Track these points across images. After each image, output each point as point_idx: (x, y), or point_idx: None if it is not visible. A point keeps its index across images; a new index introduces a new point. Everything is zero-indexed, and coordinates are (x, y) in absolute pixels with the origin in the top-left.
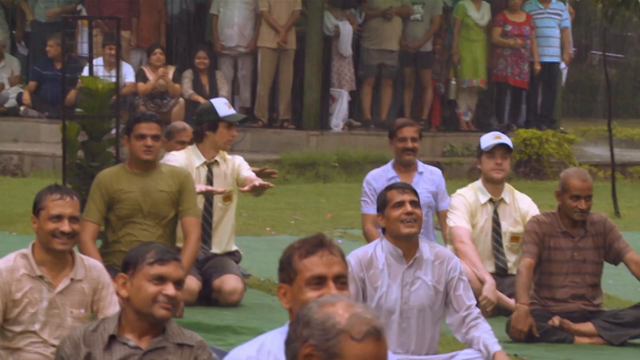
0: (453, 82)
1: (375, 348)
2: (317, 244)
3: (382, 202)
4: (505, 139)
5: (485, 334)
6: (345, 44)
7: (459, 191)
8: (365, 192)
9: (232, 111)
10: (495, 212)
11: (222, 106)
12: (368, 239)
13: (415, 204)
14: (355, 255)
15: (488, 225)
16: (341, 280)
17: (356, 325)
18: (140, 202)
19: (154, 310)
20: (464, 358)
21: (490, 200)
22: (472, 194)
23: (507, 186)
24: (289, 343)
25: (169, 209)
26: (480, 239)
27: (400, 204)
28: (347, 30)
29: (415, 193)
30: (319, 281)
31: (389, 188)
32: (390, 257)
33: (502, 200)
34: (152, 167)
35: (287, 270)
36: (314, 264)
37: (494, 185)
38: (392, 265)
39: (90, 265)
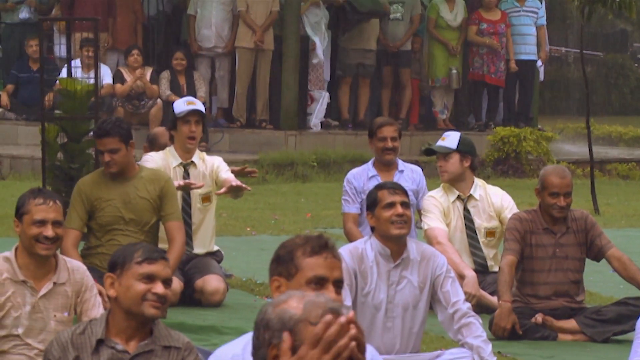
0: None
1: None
2: (322, 244)
3: (373, 201)
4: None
5: (480, 341)
6: (319, 56)
7: (429, 193)
8: (345, 191)
9: (189, 107)
10: (466, 209)
11: (180, 104)
12: (349, 237)
13: (406, 205)
14: (348, 250)
15: (460, 223)
16: (339, 285)
17: (312, 310)
18: (121, 209)
19: (143, 309)
20: (450, 357)
21: (459, 198)
22: (442, 194)
23: (478, 181)
24: (255, 350)
25: (151, 215)
26: (456, 237)
27: (392, 205)
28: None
29: (406, 194)
30: (320, 282)
31: (380, 187)
32: (378, 255)
33: (471, 196)
34: (130, 173)
35: (287, 264)
36: (318, 265)
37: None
38: (380, 264)
39: (73, 267)
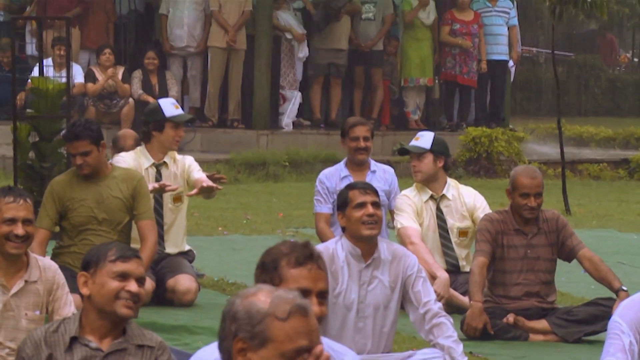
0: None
1: (303, 323)
2: (307, 255)
3: (343, 201)
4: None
5: (451, 342)
6: (305, 50)
7: (402, 192)
8: (318, 191)
9: (179, 111)
10: (439, 209)
11: (169, 106)
12: (321, 237)
13: (377, 205)
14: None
15: (433, 222)
16: (323, 296)
17: (279, 305)
18: (94, 210)
19: (116, 308)
20: (422, 358)
21: (432, 197)
22: (415, 193)
23: (451, 181)
24: (221, 342)
25: (124, 214)
26: (428, 237)
27: (362, 205)
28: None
29: (376, 194)
30: (303, 293)
31: (351, 187)
32: (349, 255)
33: (444, 196)
34: (102, 173)
35: (271, 273)
36: (302, 276)
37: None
38: (350, 264)
39: (45, 265)
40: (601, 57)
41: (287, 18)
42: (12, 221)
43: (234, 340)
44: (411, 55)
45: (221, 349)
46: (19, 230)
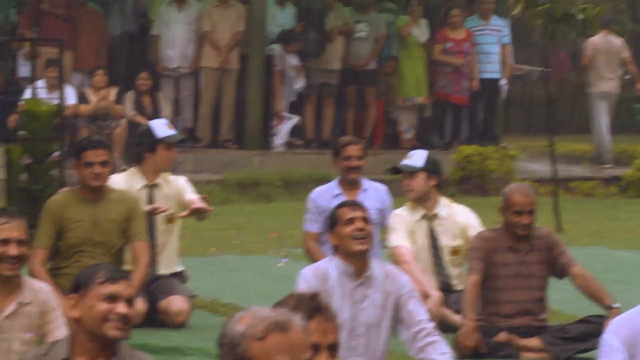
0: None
1: (282, 339)
2: (315, 308)
3: (333, 220)
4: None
5: (446, 358)
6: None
7: (395, 211)
8: (309, 209)
9: (171, 132)
10: (432, 228)
11: (161, 127)
12: (309, 255)
13: (366, 220)
14: (311, 270)
15: (426, 241)
16: (334, 348)
17: (256, 325)
18: (90, 231)
19: (105, 330)
20: None
21: (424, 216)
22: (408, 212)
23: (444, 200)
24: None
25: (118, 238)
26: (421, 256)
27: (351, 220)
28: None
29: (365, 210)
30: (313, 349)
31: (340, 206)
32: (342, 275)
33: (436, 215)
34: (103, 194)
35: None
36: (310, 331)
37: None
38: (343, 283)
39: (38, 288)
40: (551, 74)
41: (291, 59)
42: (5, 242)
43: None
44: (407, 74)
45: None
46: (13, 250)
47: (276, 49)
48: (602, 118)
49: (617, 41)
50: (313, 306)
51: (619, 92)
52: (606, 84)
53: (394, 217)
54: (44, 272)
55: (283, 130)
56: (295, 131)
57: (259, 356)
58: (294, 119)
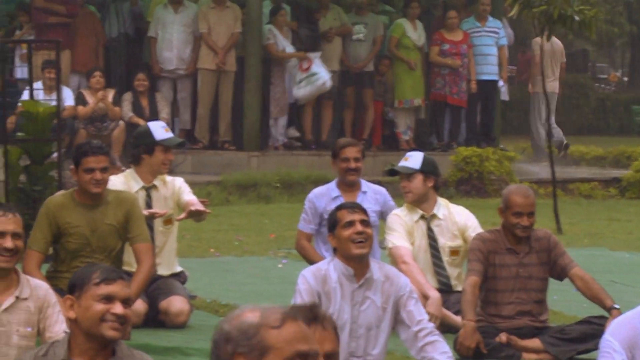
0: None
1: (298, 328)
2: (311, 317)
3: (333, 222)
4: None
5: (446, 357)
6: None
7: (393, 212)
8: (305, 209)
9: (169, 135)
10: (430, 229)
11: (159, 129)
12: (301, 253)
13: (366, 223)
14: (311, 271)
15: (424, 242)
16: (333, 357)
17: (270, 315)
18: (88, 237)
19: (102, 331)
20: None
21: (423, 217)
22: (406, 213)
23: (442, 201)
24: None
25: (117, 241)
26: (419, 257)
27: (351, 223)
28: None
29: (365, 212)
30: None
31: (339, 208)
32: (341, 276)
33: (434, 215)
34: (101, 198)
35: None
36: None
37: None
38: (343, 285)
39: (36, 285)
40: (517, 72)
41: (285, 44)
42: (1, 235)
43: (232, 357)
44: (403, 77)
45: None
46: (8, 243)
47: (266, 27)
48: (542, 117)
49: (559, 44)
50: (309, 316)
51: (558, 92)
52: (549, 84)
53: (392, 217)
54: (40, 275)
55: (321, 71)
56: (294, 122)
57: (279, 343)
58: (317, 54)
